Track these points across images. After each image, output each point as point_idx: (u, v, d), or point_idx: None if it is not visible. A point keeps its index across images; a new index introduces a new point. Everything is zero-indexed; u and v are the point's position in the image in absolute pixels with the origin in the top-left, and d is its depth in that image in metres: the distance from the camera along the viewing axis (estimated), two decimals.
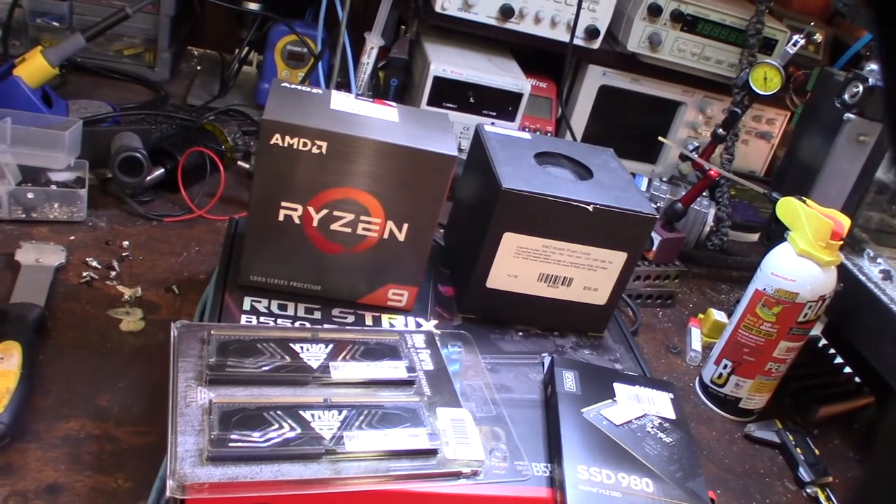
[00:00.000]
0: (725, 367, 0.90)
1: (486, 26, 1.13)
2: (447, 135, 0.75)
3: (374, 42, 1.16)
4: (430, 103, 1.15)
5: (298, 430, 0.62)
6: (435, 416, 0.67)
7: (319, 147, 0.70)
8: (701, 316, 1.06)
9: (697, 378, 0.96)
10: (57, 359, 0.75)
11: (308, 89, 0.76)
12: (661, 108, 1.28)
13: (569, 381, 0.74)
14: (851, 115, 0.89)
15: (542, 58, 1.25)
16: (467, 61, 1.16)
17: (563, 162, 0.85)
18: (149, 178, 0.97)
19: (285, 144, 0.70)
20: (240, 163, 1.02)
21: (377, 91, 1.20)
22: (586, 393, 0.73)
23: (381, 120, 0.74)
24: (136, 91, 1.22)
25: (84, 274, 0.86)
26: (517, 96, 1.16)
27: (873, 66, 0.86)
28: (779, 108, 1.31)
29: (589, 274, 0.82)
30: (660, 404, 0.75)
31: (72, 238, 0.91)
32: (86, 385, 0.73)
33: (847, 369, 1.01)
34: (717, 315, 1.04)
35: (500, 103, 1.16)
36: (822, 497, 0.83)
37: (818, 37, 1.24)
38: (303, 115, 0.70)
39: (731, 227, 1.18)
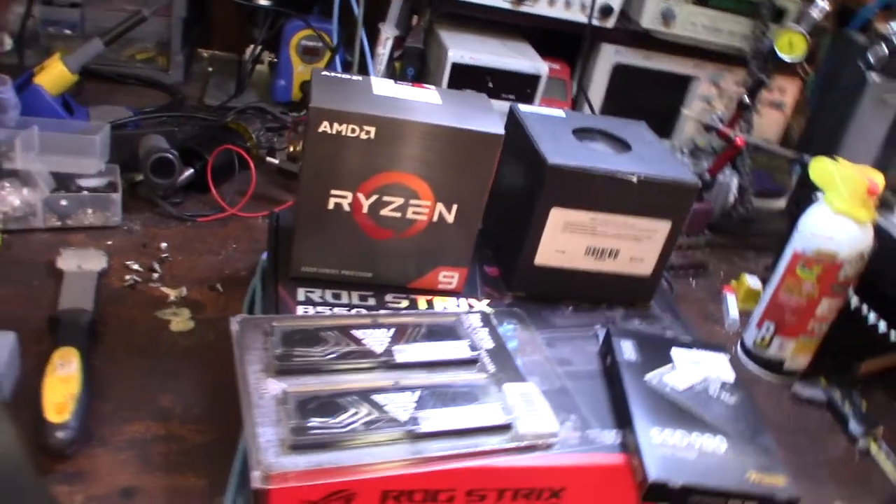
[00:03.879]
0: (768, 329, 0.91)
1: (502, 11, 1.14)
2: (491, 114, 0.75)
3: (388, 32, 1.16)
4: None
5: (375, 414, 0.62)
6: (503, 391, 0.68)
7: (368, 132, 0.70)
8: (734, 283, 1.07)
9: (738, 342, 0.97)
10: (111, 362, 0.75)
11: (349, 76, 0.76)
12: (674, 83, 1.29)
13: (627, 350, 0.75)
14: (875, 76, 0.90)
15: (552, 40, 1.25)
16: (484, 46, 1.17)
17: (600, 137, 0.86)
18: (179, 178, 0.97)
19: (334, 132, 0.70)
20: (268, 159, 1.02)
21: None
22: (646, 360, 0.74)
23: (425, 103, 0.74)
24: (151, 95, 1.21)
25: (126, 277, 0.86)
26: (535, 79, 1.16)
27: None
28: (790, 77, 1.32)
29: (635, 245, 0.82)
30: (718, 367, 0.75)
31: (109, 243, 0.91)
32: (144, 387, 0.73)
33: (882, 327, 1.02)
34: (751, 281, 1.05)
35: (519, 86, 1.16)
36: (874, 449, 0.84)
37: (825, 3, 1.24)
38: (349, 102, 0.70)
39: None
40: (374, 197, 0.74)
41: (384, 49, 1.17)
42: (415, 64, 1.20)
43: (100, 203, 0.92)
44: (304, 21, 1.15)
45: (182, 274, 0.89)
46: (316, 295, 0.76)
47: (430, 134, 0.71)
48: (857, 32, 0.95)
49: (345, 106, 0.69)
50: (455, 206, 0.75)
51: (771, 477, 0.65)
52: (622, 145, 0.84)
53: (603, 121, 0.89)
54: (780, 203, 1.20)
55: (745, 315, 1.01)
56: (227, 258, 0.93)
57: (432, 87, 0.78)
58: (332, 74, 0.75)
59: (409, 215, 0.75)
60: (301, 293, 0.76)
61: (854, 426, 0.86)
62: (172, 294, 0.85)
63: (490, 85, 1.15)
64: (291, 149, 1.06)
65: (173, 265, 0.90)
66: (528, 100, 1.18)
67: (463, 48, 1.13)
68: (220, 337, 0.81)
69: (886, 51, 0.86)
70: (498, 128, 0.73)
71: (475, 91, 1.14)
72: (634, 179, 0.78)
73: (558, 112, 0.88)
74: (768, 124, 1.35)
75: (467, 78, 1.14)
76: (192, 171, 0.99)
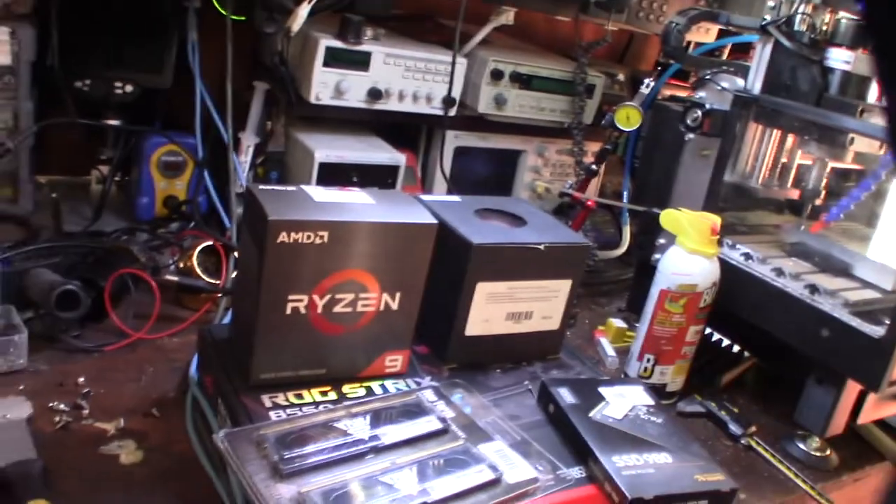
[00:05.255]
0: (648, 360, 1.06)
1: (358, 110, 1.23)
2: (419, 208, 0.84)
3: (249, 140, 1.21)
4: None
5: (390, 494, 0.67)
6: (480, 452, 0.75)
7: (322, 237, 0.75)
8: (602, 327, 1.22)
9: (622, 377, 1.10)
10: None
11: (283, 188, 0.81)
12: (506, 157, 1.44)
13: (566, 395, 0.85)
14: (692, 135, 1.09)
15: (394, 131, 1.36)
16: (343, 144, 1.24)
17: (496, 215, 0.96)
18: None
19: (291, 240, 0.74)
20: (168, 277, 1.02)
21: None
22: (583, 401, 0.85)
23: (363, 204, 0.81)
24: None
25: (56, 419, 0.82)
26: (395, 169, 1.26)
27: (702, 94, 1.08)
28: (601, 141, 1.53)
29: (544, 304, 0.93)
30: (639, 396, 0.88)
31: (21, 387, 0.86)
32: None
33: (725, 343, 1.21)
34: (617, 322, 1.20)
35: (381, 178, 1.25)
36: (753, 443, 1.01)
37: (621, 76, 1.47)
38: (300, 211, 0.76)
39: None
40: (328, 296, 0.79)
41: (246, 157, 1.21)
42: (277, 168, 1.25)
43: (0, 348, 0.87)
44: (166, 137, 1.16)
45: (111, 406, 0.86)
46: (280, 399, 0.79)
47: (376, 231, 0.78)
48: (672, 102, 1.15)
49: (298, 215, 0.75)
50: (398, 294, 0.82)
51: (712, 476, 0.78)
52: (518, 220, 0.95)
53: (492, 201, 1.00)
54: (616, 252, 1.38)
55: (622, 353, 1.15)
56: (150, 382, 0.92)
57: (358, 188, 0.85)
58: (269, 188, 0.80)
59: (359, 308, 0.81)
60: (267, 400, 0.78)
61: (733, 428, 1.02)
62: (110, 428, 0.83)
63: (355, 179, 1.23)
64: (181, 264, 1.06)
65: (99, 399, 0.87)
66: (391, 188, 1.27)
67: (327, 148, 1.21)
68: (175, 460, 0.81)
69: (700, 114, 1.05)
70: (431, 218, 0.81)
71: (340, 187, 1.23)
72: (542, 247, 0.89)
73: (454, 198, 0.98)
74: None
75: (334, 175, 1.21)
76: (89, 300, 0.96)
